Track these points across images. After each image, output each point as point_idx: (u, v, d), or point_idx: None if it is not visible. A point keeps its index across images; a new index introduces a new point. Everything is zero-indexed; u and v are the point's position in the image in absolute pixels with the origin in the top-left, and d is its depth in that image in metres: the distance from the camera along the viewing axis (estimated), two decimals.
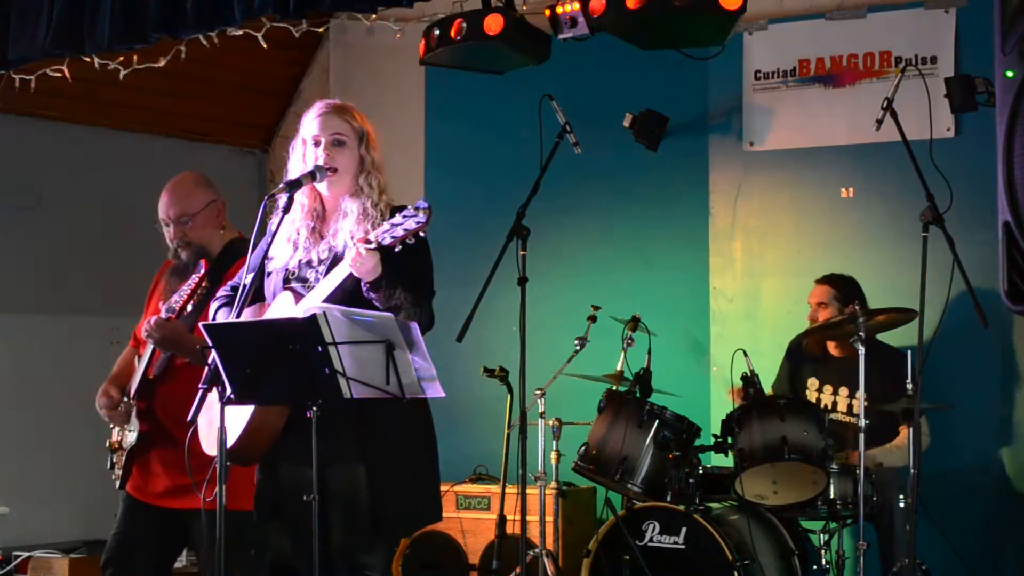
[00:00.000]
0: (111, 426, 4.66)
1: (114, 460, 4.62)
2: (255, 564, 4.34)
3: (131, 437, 4.53)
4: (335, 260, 3.82)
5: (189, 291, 4.39)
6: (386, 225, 3.62)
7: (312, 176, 3.84)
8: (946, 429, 5.84)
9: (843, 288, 5.87)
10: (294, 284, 3.87)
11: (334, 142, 3.89)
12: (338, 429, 3.69)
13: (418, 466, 3.88)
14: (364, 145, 3.93)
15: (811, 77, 6.53)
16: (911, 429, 4.97)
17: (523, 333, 5.00)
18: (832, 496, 5.32)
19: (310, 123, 3.94)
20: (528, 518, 5.52)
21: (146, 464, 4.52)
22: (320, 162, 3.86)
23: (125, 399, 4.56)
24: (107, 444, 4.65)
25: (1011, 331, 5.98)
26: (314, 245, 3.90)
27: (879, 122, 5.06)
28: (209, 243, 4.58)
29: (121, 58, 6.79)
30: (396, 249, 3.61)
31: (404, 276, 3.73)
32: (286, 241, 3.93)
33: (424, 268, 3.87)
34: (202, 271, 4.42)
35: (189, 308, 4.39)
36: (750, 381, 5.56)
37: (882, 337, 5.74)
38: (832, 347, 5.91)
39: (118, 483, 4.59)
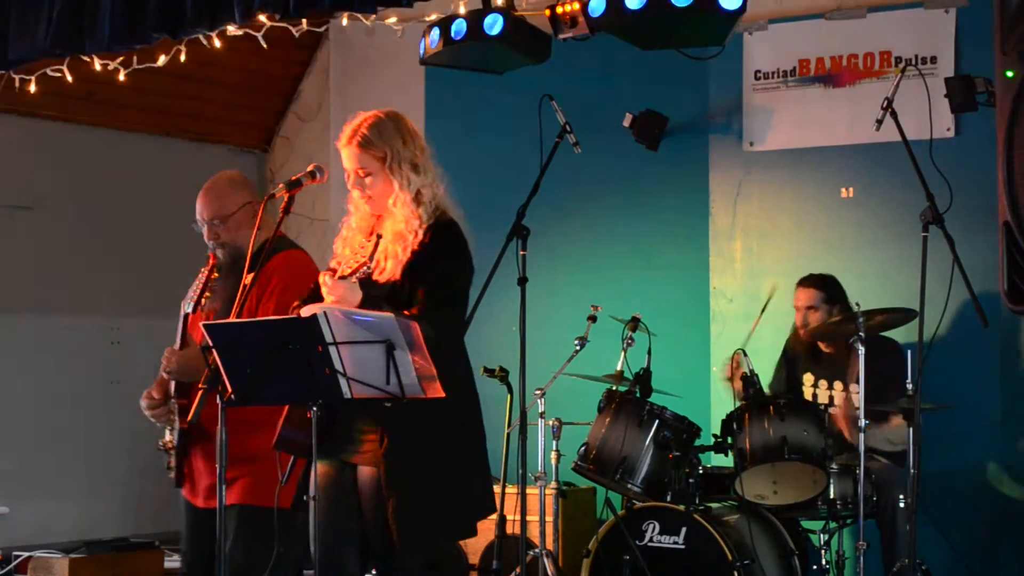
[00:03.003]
0: (163, 427, 4.71)
1: (169, 461, 4.67)
2: (281, 560, 4.36)
3: (175, 436, 4.60)
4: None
5: (200, 285, 4.47)
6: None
7: (312, 176, 3.87)
8: (946, 429, 5.83)
9: (828, 289, 5.87)
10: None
11: (360, 178, 3.95)
12: (363, 430, 3.70)
13: (445, 474, 3.89)
14: (395, 163, 3.94)
15: (811, 77, 6.52)
16: (911, 429, 4.96)
17: (523, 333, 4.99)
18: (832, 496, 5.32)
19: (340, 150, 4.01)
20: (528, 518, 5.52)
21: (191, 463, 4.60)
22: (356, 195, 4.01)
23: (172, 398, 4.61)
24: (161, 444, 4.69)
25: (1011, 331, 5.98)
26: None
27: (879, 122, 5.05)
28: (243, 244, 4.56)
29: (121, 58, 6.78)
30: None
31: (429, 278, 3.80)
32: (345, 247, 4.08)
33: (449, 273, 3.94)
34: (209, 264, 4.50)
35: (203, 301, 4.47)
36: (750, 381, 5.56)
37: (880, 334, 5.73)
38: (822, 344, 5.90)
39: (174, 483, 4.67)
